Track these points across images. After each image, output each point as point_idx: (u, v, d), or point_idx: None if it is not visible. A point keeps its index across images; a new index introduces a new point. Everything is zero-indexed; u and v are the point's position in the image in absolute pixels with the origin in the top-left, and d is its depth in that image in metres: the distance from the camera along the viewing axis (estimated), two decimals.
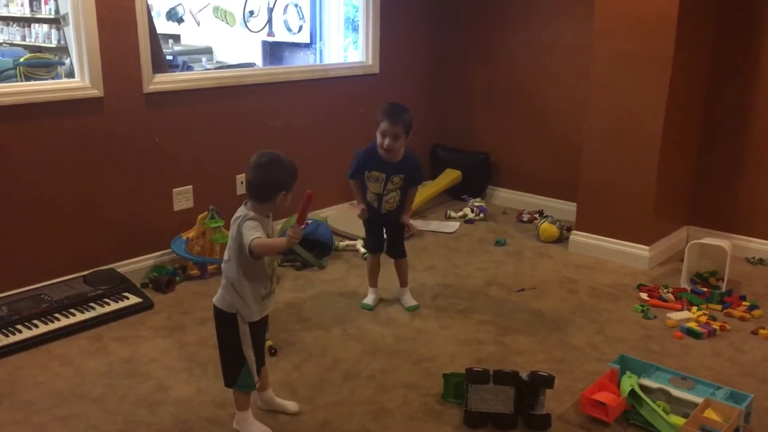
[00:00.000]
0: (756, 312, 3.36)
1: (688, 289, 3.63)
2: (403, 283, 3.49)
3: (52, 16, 6.81)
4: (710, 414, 2.40)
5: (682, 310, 3.41)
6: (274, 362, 2.88)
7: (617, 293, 3.62)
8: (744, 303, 3.46)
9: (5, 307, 3.10)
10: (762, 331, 3.17)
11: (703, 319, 3.28)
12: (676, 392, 2.51)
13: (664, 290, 3.57)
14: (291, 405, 2.55)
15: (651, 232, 3.97)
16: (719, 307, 3.43)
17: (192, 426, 2.45)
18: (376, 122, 3.16)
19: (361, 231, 4.26)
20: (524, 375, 2.47)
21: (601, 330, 3.21)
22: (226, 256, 2.31)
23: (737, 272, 3.85)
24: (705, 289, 3.60)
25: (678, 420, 2.39)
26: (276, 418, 2.50)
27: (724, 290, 3.56)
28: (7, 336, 2.96)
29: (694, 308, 3.41)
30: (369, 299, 3.45)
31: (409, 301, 3.45)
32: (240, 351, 2.31)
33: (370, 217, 3.35)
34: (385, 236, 3.43)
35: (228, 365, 2.36)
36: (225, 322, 2.32)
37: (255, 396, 2.51)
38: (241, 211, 2.29)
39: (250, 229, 2.21)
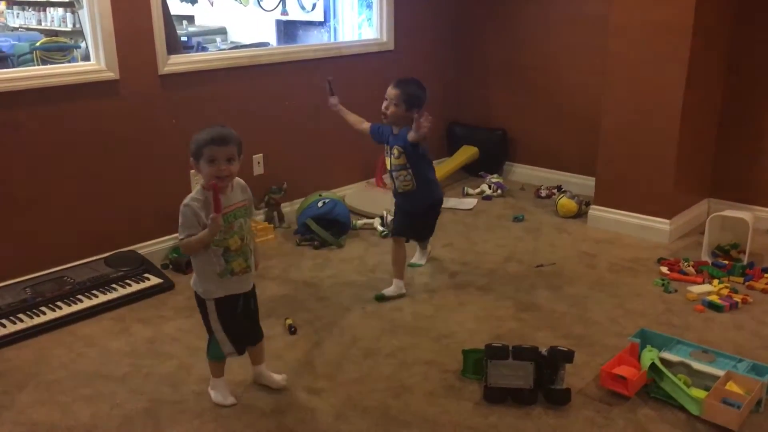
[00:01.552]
0: None
1: (709, 262, 3.60)
2: (422, 253, 3.66)
3: (67, 0, 6.82)
4: (732, 387, 2.39)
5: (703, 283, 3.38)
6: (294, 340, 2.91)
7: (637, 267, 3.60)
8: (766, 275, 3.42)
9: (29, 289, 3.14)
10: None
11: (725, 291, 3.26)
12: (697, 365, 2.50)
13: (685, 264, 3.54)
14: (278, 378, 2.60)
15: (671, 206, 3.93)
16: (741, 279, 3.39)
17: (215, 404, 2.48)
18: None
19: (378, 209, 4.28)
20: (544, 350, 2.47)
21: (621, 304, 3.20)
22: None
23: (759, 244, 3.81)
24: (726, 262, 3.56)
25: (699, 393, 2.39)
26: (297, 397, 2.52)
27: (745, 263, 3.53)
28: (32, 318, 3.01)
29: (716, 281, 3.38)
30: (389, 290, 3.27)
31: (419, 258, 3.63)
32: (209, 325, 2.42)
33: (397, 202, 3.37)
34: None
35: (210, 342, 2.48)
36: (198, 301, 2.44)
37: (251, 372, 2.62)
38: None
39: (182, 223, 2.28)
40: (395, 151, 3.15)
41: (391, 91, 3.10)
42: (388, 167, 3.23)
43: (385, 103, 3.12)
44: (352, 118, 3.39)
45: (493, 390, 2.47)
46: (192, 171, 3.77)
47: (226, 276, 2.35)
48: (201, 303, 2.42)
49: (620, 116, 3.97)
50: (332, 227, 3.97)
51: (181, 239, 2.30)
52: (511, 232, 4.13)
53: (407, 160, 3.14)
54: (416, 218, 3.33)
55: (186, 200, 2.30)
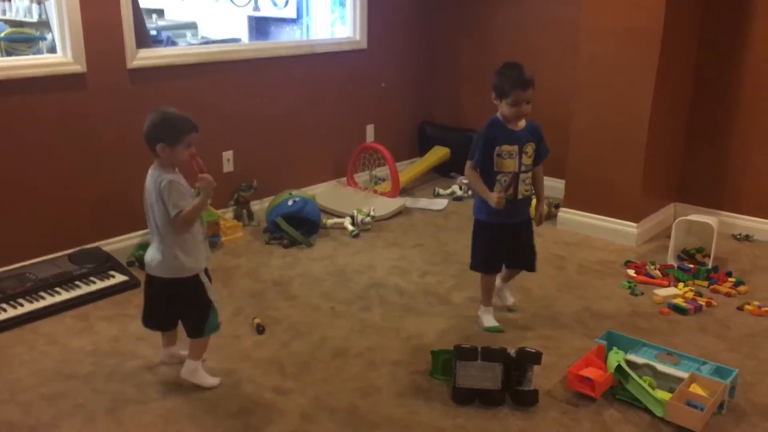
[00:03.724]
0: (742, 288, 3.39)
1: (675, 265, 3.65)
2: (509, 279, 3.16)
3: None
4: (696, 389, 2.42)
5: (668, 286, 3.42)
6: (262, 340, 2.88)
7: (605, 270, 3.64)
8: (730, 279, 3.48)
9: None
10: (747, 307, 3.20)
11: (690, 295, 3.30)
12: (662, 367, 2.53)
13: (651, 267, 3.59)
14: (185, 352, 2.65)
15: (639, 209, 3.98)
16: (706, 283, 3.45)
17: (180, 404, 2.45)
18: (493, 93, 2.84)
19: (348, 208, 4.26)
20: (512, 351, 2.48)
21: (589, 306, 3.23)
22: (156, 224, 2.40)
23: (724, 248, 3.87)
24: (692, 266, 3.62)
25: (664, 395, 2.41)
26: (264, 397, 2.50)
27: (710, 266, 3.58)
28: None
29: (681, 284, 3.43)
30: (492, 320, 3.02)
31: (508, 298, 3.16)
32: (207, 300, 2.47)
33: (498, 222, 2.88)
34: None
35: (199, 319, 2.49)
36: (186, 285, 2.45)
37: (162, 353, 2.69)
38: (155, 171, 2.40)
39: (177, 197, 2.37)
40: (529, 149, 2.83)
41: (527, 93, 2.74)
42: (515, 169, 2.81)
43: (524, 107, 2.75)
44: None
45: (462, 391, 2.47)
46: None
47: (206, 240, 2.56)
48: (193, 284, 2.45)
49: (589, 120, 4.01)
50: (302, 226, 3.94)
51: (181, 211, 2.34)
52: None
53: (535, 158, 2.87)
54: (516, 234, 2.94)
55: (169, 178, 2.36)
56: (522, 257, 3.01)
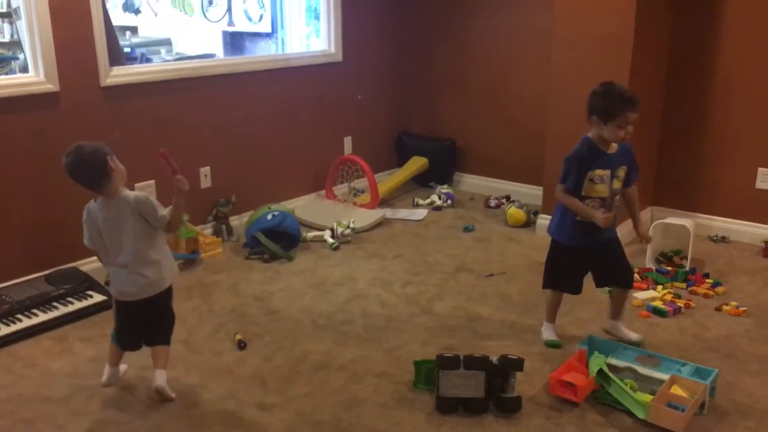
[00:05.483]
0: (719, 289, 3.42)
1: (653, 268, 3.68)
2: (618, 314, 2.97)
3: (4, 10, 6.61)
4: (676, 390, 2.44)
5: (647, 289, 3.45)
6: (244, 356, 2.86)
7: None
8: (707, 280, 3.52)
9: None
10: (725, 308, 3.23)
11: (668, 297, 3.33)
12: (642, 370, 2.55)
13: None
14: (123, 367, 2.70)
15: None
16: (683, 285, 3.48)
17: (162, 422, 2.42)
18: (594, 116, 2.70)
19: (328, 221, 4.25)
20: (494, 359, 2.49)
21: (570, 312, 3.24)
22: (139, 249, 2.43)
23: (700, 250, 3.92)
24: (669, 268, 3.65)
25: (645, 397, 2.43)
26: (247, 413, 2.48)
27: (688, 268, 3.62)
28: None
29: (659, 287, 3.46)
30: (552, 335, 2.95)
31: (630, 333, 2.92)
32: (172, 309, 2.64)
33: (577, 244, 2.79)
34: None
35: (172, 323, 2.63)
36: (169, 291, 2.55)
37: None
38: (98, 205, 2.48)
39: (158, 205, 2.45)
40: (620, 173, 2.71)
41: (635, 114, 2.62)
42: (605, 195, 2.69)
43: (629, 128, 2.61)
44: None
45: (445, 400, 2.47)
46: (137, 185, 3.69)
47: None
48: (171, 288, 2.56)
49: (565, 126, 4.02)
50: (282, 240, 3.93)
51: (167, 216, 2.44)
52: (461, 242, 4.16)
53: (625, 180, 2.75)
54: (605, 255, 2.83)
55: (142, 194, 2.46)
56: (618, 274, 2.87)
